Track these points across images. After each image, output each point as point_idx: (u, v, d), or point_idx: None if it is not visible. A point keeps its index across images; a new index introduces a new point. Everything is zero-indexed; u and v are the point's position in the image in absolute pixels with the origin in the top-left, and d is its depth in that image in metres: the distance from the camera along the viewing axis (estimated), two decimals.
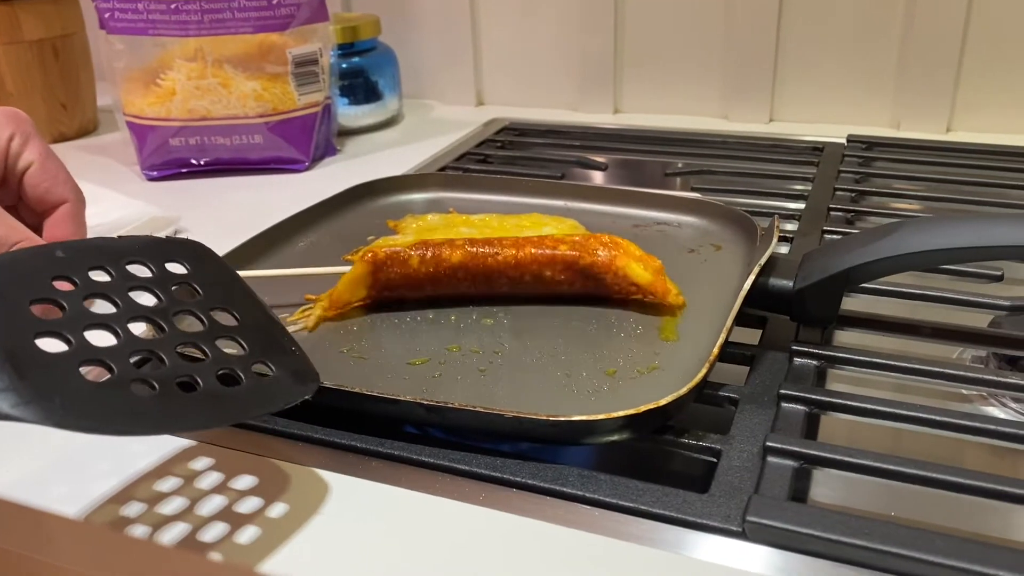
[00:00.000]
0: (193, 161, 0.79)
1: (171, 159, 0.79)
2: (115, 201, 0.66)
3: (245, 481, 0.37)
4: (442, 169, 0.79)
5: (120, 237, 0.36)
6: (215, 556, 0.33)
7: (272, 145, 0.79)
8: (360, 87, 0.93)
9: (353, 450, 0.39)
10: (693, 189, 0.72)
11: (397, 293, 0.50)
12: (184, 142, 0.78)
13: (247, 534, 0.34)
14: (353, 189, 0.67)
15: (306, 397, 0.36)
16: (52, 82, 0.92)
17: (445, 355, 0.45)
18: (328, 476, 0.37)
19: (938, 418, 0.38)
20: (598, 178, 0.82)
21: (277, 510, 0.35)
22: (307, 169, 0.81)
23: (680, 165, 0.79)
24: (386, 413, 0.39)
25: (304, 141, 0.80)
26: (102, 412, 0.29)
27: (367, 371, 0.44)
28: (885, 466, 0.35)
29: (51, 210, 0.43)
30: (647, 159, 0.81)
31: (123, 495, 0.36)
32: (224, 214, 0.71)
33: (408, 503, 0.35)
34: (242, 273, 0.41)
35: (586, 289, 0.50)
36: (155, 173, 0.80)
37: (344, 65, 0.91)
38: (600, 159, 0.82)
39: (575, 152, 0.84)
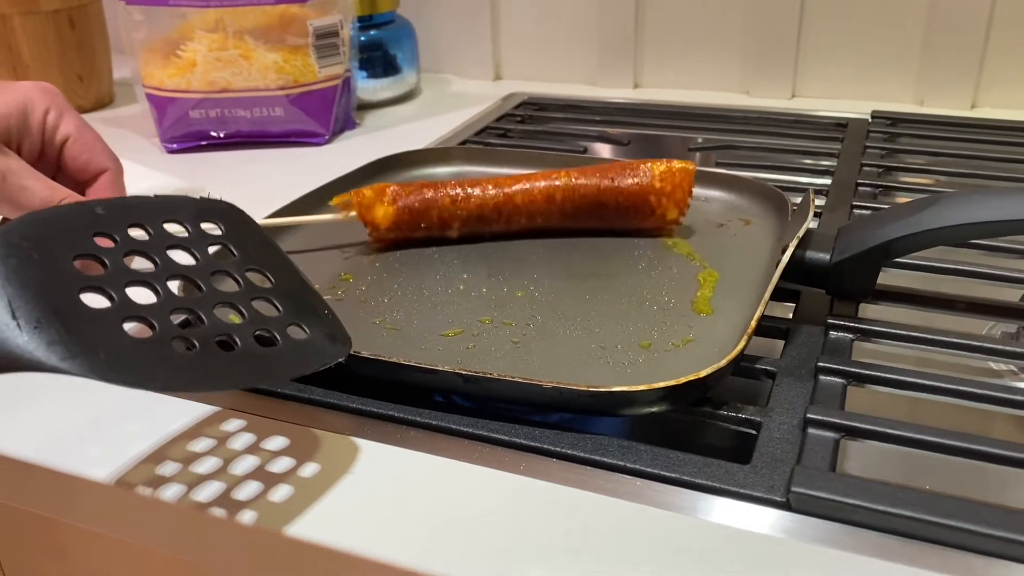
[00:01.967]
0: (213, 134, 0.79)
1: (191, 131, 0.79)
2: (138, 172, 0.66)
3: (278, 447, 0.37)
4: (462, 143, 0.79)
5: (157, 196, 0.36)
6: (248, 516, 0.33)
7: (293, 118, 0.78)
8: (379, 60, 0.92)
9: (390, 419, 0.39)
10: (717, 164, 0.71)
11: (429, 219, 0.54)
12: (204, 114, 0.77)
13: (290, 505, 0.34)
14: (376, 162, 0.66)
15: (339, 359, 0.36)
16: (68, 53, 0.91)
17: (478, 327, 0.45)
18: (366, 444, 0.37)
19: (979, 391, 0.38)
20: (620, 154, 0.81)
21: (310, 472, 0.35)
22: (327, 143, 0.81)
23: (700, 140, 0.78)
24: (422, 383, 0.39)
25: (325, 114, 0.80)
26: (145, 367, 0.29)
27: (401, 342, 0.44)
28: (927, 438, 0.35)
29: (92, 179, 0.43)
30: (669, 134, 0.81)
31: (156, 456, 0.37)
32: (245, 187, 0.70)
33: (448, 471, 0.35)
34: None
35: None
36: (175, 146, 0.79)
37: (363, 38, 0.90)
38: (621, 134, 0.81)
39: (595, 127, 0.83)
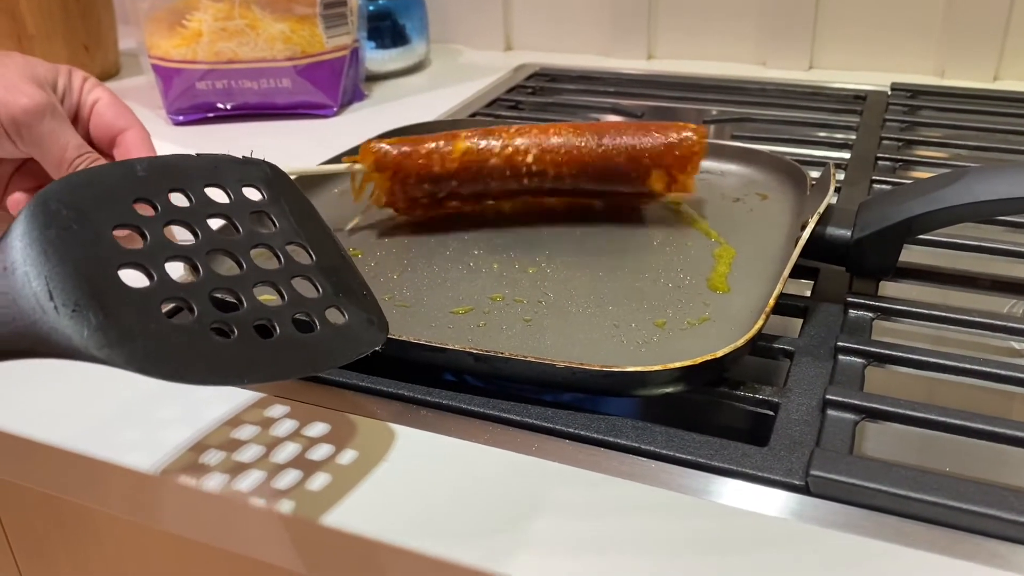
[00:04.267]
0: (220, 105, 0.78)
1: (197, 103, 0.77)
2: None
3: (288, 426, 0.37)
4: (473, 115, 0.78)
5: (199, 155, 0.34)
6: (285, 505, 0.33)
7: (300, 89, 0.77)
8: (387, 30, 0.91)
9: (401, 398, 0.38)
10: (733, 137, 0.70)
11: (432, 178, 0.52)
12: (211, 86, 0.76)
13: (287, 479, 0.34)
14: (385, 135, 0.65)
15: (376, 348, 0.34)
16: (74, 24, 0.90)
17: (489, 304, 0.45)
18: (376, 424, 0.37)
19: (1003, 372, 0.37)
20: None
21: (322, 456, 0.35)
22: (335, 115, 0.80)
23: (715, 113, 0.77)
24: (432, 362, 0.39)
25: (333, 85, 0.79)
26: (183, 358, 0.28)
27: (410, 320, 0.44)
28: (950, 420, 0.34)
29: (117, 135, 0.45)
30: (683, 106, 0.79)
31: (197, 446, 0.36)
32: None
33: (458, 452, 0.35)
34: None
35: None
36: (181, 118, 0.78)
37: (371, 8, 0.88)
38: (634, 106, 0.79)
39: (608, 99, 0.82)
